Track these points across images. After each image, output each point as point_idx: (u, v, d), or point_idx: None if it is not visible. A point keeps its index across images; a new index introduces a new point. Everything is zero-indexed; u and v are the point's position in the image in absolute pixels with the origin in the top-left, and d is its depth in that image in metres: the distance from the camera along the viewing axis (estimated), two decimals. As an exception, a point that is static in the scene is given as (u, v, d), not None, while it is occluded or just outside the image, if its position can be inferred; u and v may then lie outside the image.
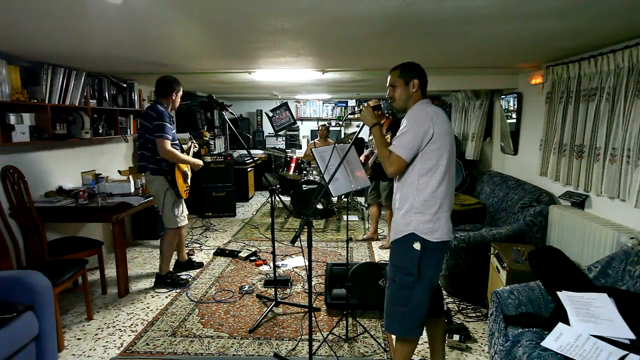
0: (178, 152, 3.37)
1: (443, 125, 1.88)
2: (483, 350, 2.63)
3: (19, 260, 2.97)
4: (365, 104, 2.14)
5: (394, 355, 2.10)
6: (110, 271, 3.81)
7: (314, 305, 3.17)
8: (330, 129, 8.54)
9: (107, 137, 4.23)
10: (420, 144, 1.85)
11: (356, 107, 8.78)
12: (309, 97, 8.57)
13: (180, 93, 3.52)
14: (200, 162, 3.67)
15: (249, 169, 7.24)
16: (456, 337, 2.63)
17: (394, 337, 2.36)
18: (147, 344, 2.70)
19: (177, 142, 3.45)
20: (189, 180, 3.64)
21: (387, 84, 2.05)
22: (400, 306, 1.96)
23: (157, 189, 3.41)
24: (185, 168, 3.59)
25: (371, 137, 5.05)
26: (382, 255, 4.40)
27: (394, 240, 2.00)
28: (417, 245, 1.88)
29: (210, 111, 7.39)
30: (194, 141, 3.85)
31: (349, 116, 8.71)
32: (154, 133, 3.25)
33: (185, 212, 3.64)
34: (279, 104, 7.97)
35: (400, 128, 1.93)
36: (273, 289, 3.36)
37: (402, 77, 1.98)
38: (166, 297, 3.42)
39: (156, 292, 3.52)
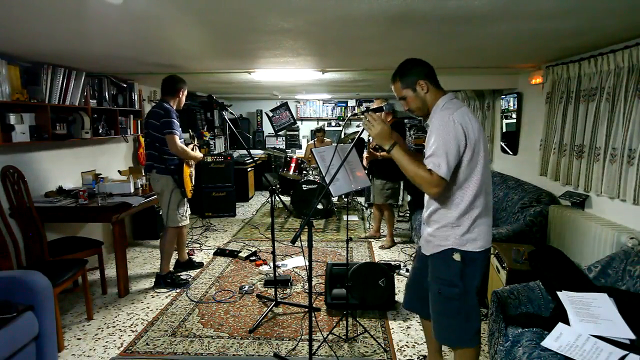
0: (187, 148, 3.42)
1: (472, 132, 1.73)
2: (483, 350, 2.62)
3: (19, 260, 2.97)
4: (369, 114, 1.85)
5: None
6: (110, 271, 3.81)
7: (314, 305, 3.17)
8: (329, 129, 8.55)
9: (107, 137, 4.23)
10: (455, 159, 1.70)
11: (356, 108, 8.73)
12: (309, 97, 8.57)
13: (186, 92, 3.55)
14: (200, 155, 3.74)
15: (249, 169, 7.23)
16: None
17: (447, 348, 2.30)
18: (147, 344, 2.70)
19: (183, 140, 3.47)
20: (193, 180, 3.66)
21: (398, 98, 1.91)
22: (451, 318, 1.87)
23: (163, 187, 3.41)
24: (191, 169, 3.61)
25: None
26: (382, 255, 4.39)
27: (431, 255, 1.90)
28: (456, 257, 1.80)
29: (210, 111, 7.39)
30: (196, 143, 3.87)
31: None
32: (162, 130, 3.26)
33: (188, 211, 3.66)
34: (279, 104, 7.97)
35: (429, 143, 1.74)
36: (273, 289, 3.36)
37: (405, 86, 1.82)
38: (166, 297, 3.42)
39: (156, 292, 3.52)
